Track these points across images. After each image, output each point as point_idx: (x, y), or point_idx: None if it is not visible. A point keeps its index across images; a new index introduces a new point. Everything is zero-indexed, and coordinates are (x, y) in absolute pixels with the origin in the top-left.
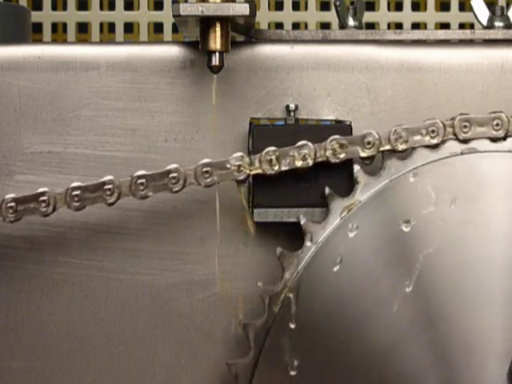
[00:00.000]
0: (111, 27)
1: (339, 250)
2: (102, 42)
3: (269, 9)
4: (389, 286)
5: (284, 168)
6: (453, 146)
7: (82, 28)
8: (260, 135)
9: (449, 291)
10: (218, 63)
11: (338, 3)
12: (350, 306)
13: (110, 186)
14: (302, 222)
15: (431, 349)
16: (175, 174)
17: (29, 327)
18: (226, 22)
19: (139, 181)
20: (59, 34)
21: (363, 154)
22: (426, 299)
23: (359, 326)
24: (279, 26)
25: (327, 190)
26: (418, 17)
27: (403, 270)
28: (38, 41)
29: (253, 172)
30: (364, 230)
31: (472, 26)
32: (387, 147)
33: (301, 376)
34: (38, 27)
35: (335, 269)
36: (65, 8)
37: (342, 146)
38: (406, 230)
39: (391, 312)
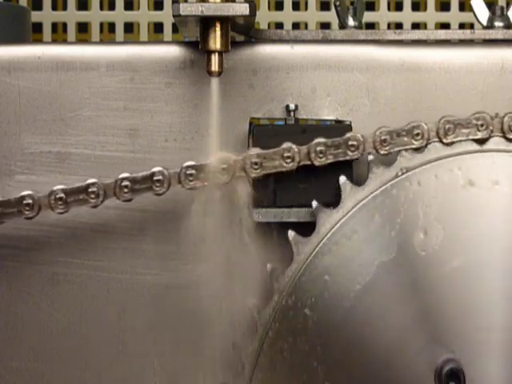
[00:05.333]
0: (111, 27)
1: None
2: (102, 41)
3: (269, 9)
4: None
5: None
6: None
7: (82, 28)
8: (260, 135)
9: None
10: (217, 68)
11: (337, 3)
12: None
13: (159, 177)
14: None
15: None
16: (225, 166)
17: (29, 327)
18: (226, 21)
19: (188, 171)
20: (59, 34)
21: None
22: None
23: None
24: (279, 25)
25: (314, 204)
26: (418, 17)
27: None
28: (38, 41)
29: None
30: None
31: (472, 26)
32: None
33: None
34: (38, 27)
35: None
36: (65, 8)
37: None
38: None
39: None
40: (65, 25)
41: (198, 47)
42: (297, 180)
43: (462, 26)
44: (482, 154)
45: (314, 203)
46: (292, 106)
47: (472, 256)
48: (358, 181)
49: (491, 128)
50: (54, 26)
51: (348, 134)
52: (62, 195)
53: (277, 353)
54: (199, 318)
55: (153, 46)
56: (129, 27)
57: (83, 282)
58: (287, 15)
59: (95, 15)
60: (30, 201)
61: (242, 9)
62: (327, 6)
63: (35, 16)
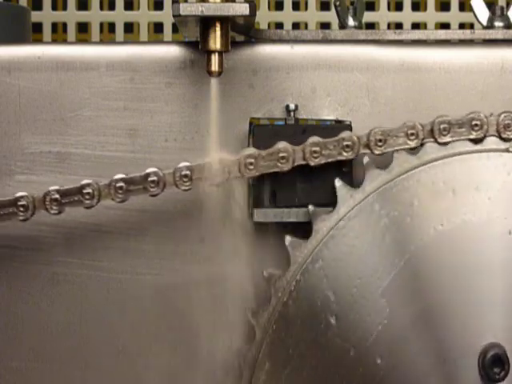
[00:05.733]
0: (111, 27)
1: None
2: (102, 41)
3: (269, 9)
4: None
5: None
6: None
7: (82, 28)
8: (260, 135)
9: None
10: (217, 68)
11: (337, 3)
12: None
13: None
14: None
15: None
16: (349, 143)
17: (29, 327)
18: (226, 21)
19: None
20: (59, 34)
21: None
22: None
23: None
24: (279, 25)
25: (311, 209)
26: (418, 17)
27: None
28: (38, 41)
29: None
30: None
31: (472, 26)
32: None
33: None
34: (38, 27)
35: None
36: (65, 8)
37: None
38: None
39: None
40: (65, 25)
41: (198, 47)
42: (296, 180)
43: (461, 26)
44: None
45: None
46: (292, 106)
47: None
48: (358, 180)
49: None
50: (54, 25)
51: (471, 114)
52: (188, 172)
53: None
54: (199, 318)
55: (153, 46)
56: (129, 27)
57: (83, 282)
58: (287, 15)
59: (95, 15)
60: (155, 178)
61: (242, 9)
62: (327, 6)
63: (35, 16)
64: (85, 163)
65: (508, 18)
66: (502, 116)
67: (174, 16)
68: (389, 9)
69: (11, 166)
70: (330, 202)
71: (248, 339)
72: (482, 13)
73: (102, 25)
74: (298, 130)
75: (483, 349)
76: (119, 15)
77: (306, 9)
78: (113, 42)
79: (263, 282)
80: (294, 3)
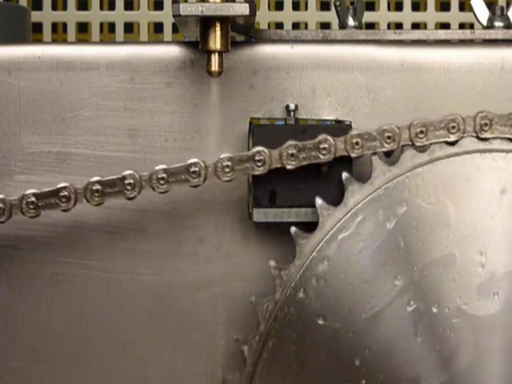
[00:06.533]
0: (111, 27)
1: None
2: (102, 41)
3: (269, 9)
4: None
5: None
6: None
7: (82, 28)
8: (260, 135)
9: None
10: (217, 68)
11: (337, 3)
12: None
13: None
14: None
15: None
16: (390, 134)
17: (29, 327)
18: (226, 21)
19: (224, 163)
20: (59, 34)
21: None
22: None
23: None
24: (279, 25)
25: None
26: (418, 17)
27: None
28: (38, 41)
29: None
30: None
31: (472, 26)
32: None
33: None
34: (38, 27)
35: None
36: (65, 8)
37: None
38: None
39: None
40: (65, 25)
41: (198, 47)
42: (297, 180)
43: (462, 26)
44: None
45: None
46: (292, 106)
47: None
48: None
49: None
50: (54, 26)
51: None
52: (229, 163)
53: None
54: (199, 318)
55: (153, 46)
56: (129, 27)
57: (83, 282)
58: (287, 15)
59: (95, 15)
60: (196, 168)
61: (242, 9)
62: (327, 6)
63: (35, 16)
64: (85, 163)
65: (508, 18)
66: None
67: (173, 16)
68: (389, 9)
69: (11, 166)
70: (330, 202)
71: (247, 340)
72: (482, 13)
73: (102, 25)
74: (298, 129)
75: None
76: (119, 15)
77: (306, 9)
78: (113, 42)
79: (263, 282)
80: (294, 3)
